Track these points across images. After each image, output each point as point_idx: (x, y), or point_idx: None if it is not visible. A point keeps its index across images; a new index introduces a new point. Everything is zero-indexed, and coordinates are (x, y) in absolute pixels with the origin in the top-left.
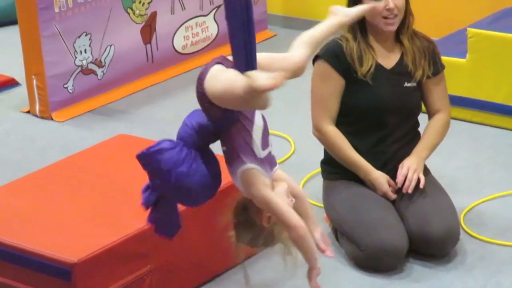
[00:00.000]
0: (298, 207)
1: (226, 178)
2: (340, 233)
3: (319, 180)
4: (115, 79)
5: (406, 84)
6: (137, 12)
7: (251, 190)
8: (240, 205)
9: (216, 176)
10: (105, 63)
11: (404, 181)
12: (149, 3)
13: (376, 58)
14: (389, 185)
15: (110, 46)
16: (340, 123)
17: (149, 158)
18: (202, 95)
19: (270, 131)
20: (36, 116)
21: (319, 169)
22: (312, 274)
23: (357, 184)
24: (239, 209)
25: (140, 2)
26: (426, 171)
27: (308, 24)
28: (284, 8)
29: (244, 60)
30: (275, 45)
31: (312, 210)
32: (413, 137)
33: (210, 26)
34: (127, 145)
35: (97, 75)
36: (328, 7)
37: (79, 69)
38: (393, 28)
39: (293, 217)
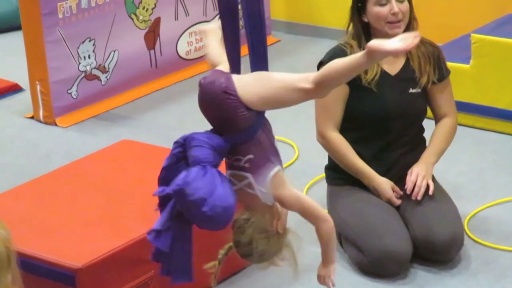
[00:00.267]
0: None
1: None
2: (344, 238)
3: (323, 186)
4: (119, 85)
5: (411, 90)
6: (140, 17)
7: (282, 191)
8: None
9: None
10: (109, 68)
11: (414, 187)
12: (152, 9)
13: (381, 65)
14: (394, 191)
15: (114, 51)
16: (345, 128)
17: (185, 189)
18: (235, 107)
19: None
20: (40, 121)
21: (323, 175)
22: (333, 269)
23: (361, 189)
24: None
25: (144, 8)
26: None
27: (311, 29)
28: (287, 14)
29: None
30: (279, 51)
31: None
32: (418, 143)
33: None
34: (130, 150)
35: (101, 80)
36: (331, 13)
37: (83, 74)
38: (399, 31)
39: (323, 211)
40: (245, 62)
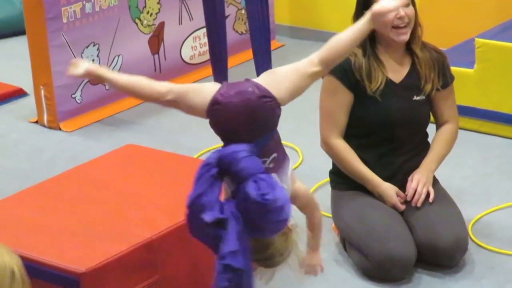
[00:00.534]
0: None
1: None
2: (348, 243)
3: (327, 190)
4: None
5: (415, 98)
6: (145, 22)
7: (297, 184)
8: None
9: None
10: None
11: (414, 194)
12: (157, 13)
13: (386, 73)
14: (398, 196)
15: (118, 56)
16: (349, 135)
17: (274, 199)
18: (273, 108)
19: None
20: (44, 126)
21: (327, 179)
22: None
23: (366, 194)
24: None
25: (148, 13)
26: (434, 181)
27: (315, 34)
28: (291, 19)
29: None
30: (283, 55)
31: None
32: (423, 148)
33: None
34: (135, 155)
35: (105, 85)
36: (335, 17)
37: (87, 79)
38: (405, 38)
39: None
40: (244, 66)
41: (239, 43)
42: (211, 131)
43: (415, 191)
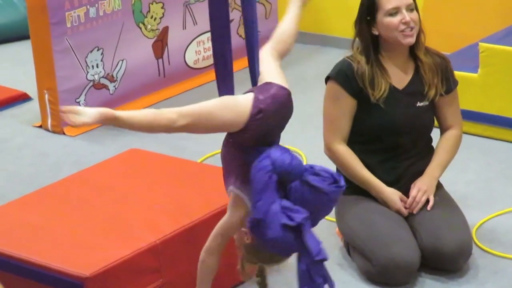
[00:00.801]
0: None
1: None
2: (352, 247)
3: None
4: (127, 94)
5: (419, 104)
6: (149, 27)
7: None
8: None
9: None
10: (117, 77)
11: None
12: (161, 18)
13: (389, 80)
14: (402, 201)
15: (122, 60)
16: (353, 141)
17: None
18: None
19: (283, 145)
20: (48, 130)
21: None
22: None
23: (370, 198)
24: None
25: (152, 17)
26: (438, 186)
27: (319, 38)
28: None
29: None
30: (286, 59)
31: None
32: (427, 152)
33: None
34: (139, 159)
35: (109, 89)
36: (339, 22)
37: (91, 83)
38: (412, 40)
39: None
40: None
41: (243, 48)
42: (214, 136)
43: (414, 199)
